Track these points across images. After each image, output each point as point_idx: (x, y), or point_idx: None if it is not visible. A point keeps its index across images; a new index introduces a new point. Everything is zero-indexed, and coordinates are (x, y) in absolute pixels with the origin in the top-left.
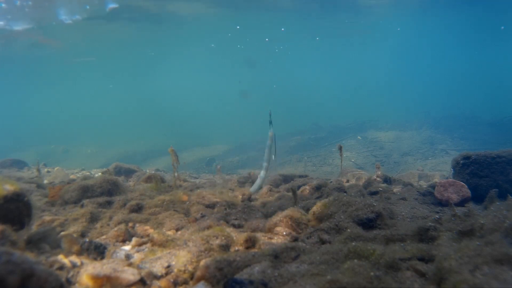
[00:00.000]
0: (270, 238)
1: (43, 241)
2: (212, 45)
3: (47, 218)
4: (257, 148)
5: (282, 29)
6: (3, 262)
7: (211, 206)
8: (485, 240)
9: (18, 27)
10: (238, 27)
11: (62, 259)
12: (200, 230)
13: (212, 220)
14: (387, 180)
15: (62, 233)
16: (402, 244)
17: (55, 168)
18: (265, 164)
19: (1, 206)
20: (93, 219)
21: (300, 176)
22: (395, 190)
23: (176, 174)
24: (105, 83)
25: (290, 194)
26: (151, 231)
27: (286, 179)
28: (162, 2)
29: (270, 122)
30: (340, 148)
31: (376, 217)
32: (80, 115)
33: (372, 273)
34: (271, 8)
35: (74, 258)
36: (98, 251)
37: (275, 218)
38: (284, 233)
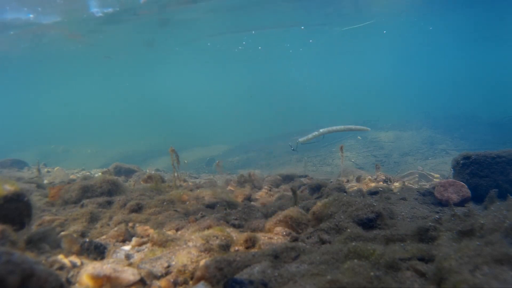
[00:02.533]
0: (270, 238)
1: (43, 241)
2: (208, 44)
3: (47, 218)
4: (257, 148)
5: (307, 35)
6: (3, 262)
7: (211, 206)
8: (485, 240)
9: (47, 20)
10: (241, 45)
11: (62, 259)
12: (200, 230)
13: (212, 220)
14: (386, 180)
15: (62, 233)
16: (402, 244)
17: (55, 168)
18: (321, 130)
19: (1, 206)
20: (93, 219)
21: (300, 176)
22: (395, 190)
23: (176, 174)
24: (104, 83)
25: (290, 194)
26: (151, 231)
27: (286, 179)
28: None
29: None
30: (341, 148)
31: (376, 217)
32: (80, 114)
33: (372, 273)
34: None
35: (74, 258)
36: (98, 251)
37: (275, 218)
38: (284, 233)
